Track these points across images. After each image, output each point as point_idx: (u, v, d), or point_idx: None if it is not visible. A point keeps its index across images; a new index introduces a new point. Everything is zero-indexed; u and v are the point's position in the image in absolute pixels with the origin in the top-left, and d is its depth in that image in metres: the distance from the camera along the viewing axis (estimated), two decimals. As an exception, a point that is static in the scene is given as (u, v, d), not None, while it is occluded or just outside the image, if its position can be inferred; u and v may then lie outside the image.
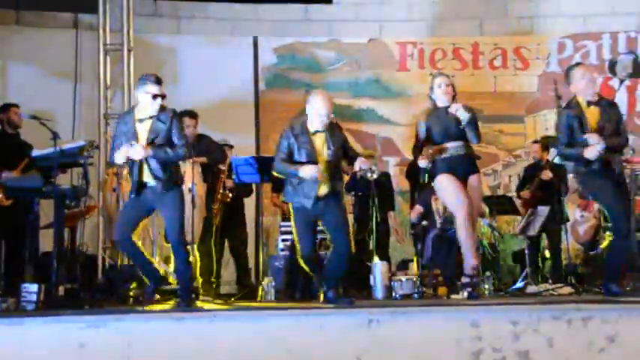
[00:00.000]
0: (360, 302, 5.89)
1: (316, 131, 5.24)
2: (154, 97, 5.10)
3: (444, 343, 4.17)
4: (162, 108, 5.16)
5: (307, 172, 5.15)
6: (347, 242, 5.18)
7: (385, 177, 7.36)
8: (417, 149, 5.42)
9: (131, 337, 4.23)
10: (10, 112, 6.43)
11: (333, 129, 5.31)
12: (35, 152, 6.01)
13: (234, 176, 6.85)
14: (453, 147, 5.33)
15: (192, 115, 6.81)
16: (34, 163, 6.20)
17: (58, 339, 4.19)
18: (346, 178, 6.91)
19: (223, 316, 4.49)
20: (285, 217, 7.03)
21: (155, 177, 5.12)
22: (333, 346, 4.21)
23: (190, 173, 6.27)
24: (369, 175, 6.53)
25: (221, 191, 6.96)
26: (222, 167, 6.90)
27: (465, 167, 5.37)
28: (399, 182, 8.05)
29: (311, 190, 5.17)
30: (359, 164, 5.28)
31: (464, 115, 5.27)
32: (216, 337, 4.27)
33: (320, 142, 5.25)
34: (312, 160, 5.18)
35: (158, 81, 5.13)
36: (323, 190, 5.21)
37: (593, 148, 4.93)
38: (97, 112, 8.01)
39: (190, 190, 6.18)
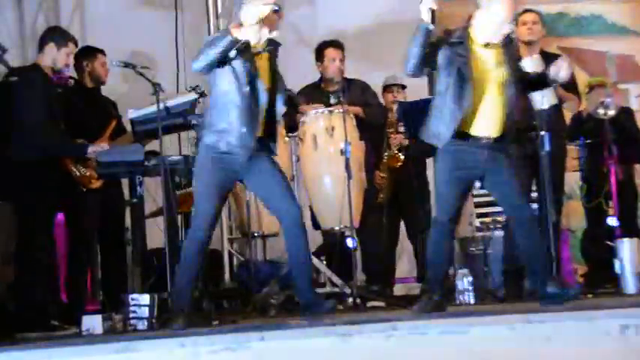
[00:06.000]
0: (607, 299, 5.92)
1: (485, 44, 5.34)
2: (278, 8, 5.18)
3: None
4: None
5: None
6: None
7: (625, 114, 7.30)
8: None
9: (281, 363, 4.30)
10: (96, 61, 6.52)
11: None
12: (132, 113, 6.27)
13: (404, 128, 6.90)
14: None
15: (336, 45, 6.97)
16: (120, 127, 6.52)
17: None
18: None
19: (406, 327, 4.45)
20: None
21: (271, 132, 5.29)
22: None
23: (342, 127, 6.33)
24: (601, 112, 6.59)
25: (388, 152, 7.06)
26: (390, 117, 7.02)
27: None
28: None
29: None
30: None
31: None
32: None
33: (491, 57, 5.33)
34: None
35: None
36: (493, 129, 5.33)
37: None
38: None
39: (343, 152, 6.24)
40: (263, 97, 5.20)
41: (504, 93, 5.25)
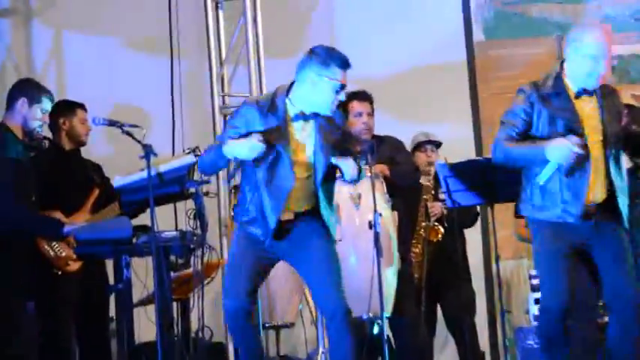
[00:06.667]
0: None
1: (578, 93, 5.44)
2: (340, 88, 5.31)
3: None
4: None
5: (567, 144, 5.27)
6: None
7: None
8: None
9: None
10: (75, 118, 6.49)
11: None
12: (119, 180, 6.16)
13: (443, 195, 6.68)
14: None
15: (362, 97, 6.87)
16: (105, 196, 6.38)
17: None
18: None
19: None
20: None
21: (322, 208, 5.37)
22: None
23: (370, 195, 6.06)
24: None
25: (425, 223, 6.99)
26: (425, 182, 6.93)
27: None
28: None
29: (579, 193, 5.35)
30: None
31: None
32: None
33: (589, 108, 5.44)
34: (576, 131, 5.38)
35: (346, 65, 5.33)
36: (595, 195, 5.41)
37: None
38: (210, 104, 8.14)
39: (372, 225, 6.01)
40: (287, 171, 5.27)
41: (605, 150, 5.33)
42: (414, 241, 7.12)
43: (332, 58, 5.27)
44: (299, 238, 5.32)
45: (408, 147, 7.26)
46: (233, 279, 5.32)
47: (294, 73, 5.32)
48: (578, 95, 5.38)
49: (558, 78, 5.42)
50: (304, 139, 5.33)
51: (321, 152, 5.31)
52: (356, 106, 6.82)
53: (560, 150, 5.21)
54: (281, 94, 5.35)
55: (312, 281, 5.39)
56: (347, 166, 5.27)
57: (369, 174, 6.17)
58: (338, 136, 5.37)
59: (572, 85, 5.40)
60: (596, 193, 5.32)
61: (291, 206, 5.30)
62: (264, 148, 5.19)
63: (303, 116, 5.35)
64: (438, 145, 7.37)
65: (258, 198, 5.29)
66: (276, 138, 5.26)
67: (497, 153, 5.45)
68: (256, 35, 8.08)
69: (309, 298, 6.99)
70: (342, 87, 5.30)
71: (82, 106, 6.52)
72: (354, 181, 5.57)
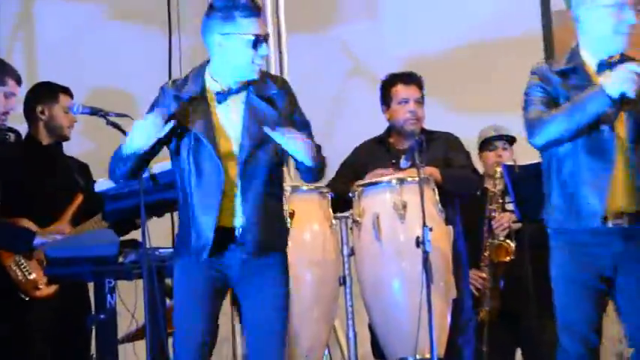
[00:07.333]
0: None
1: (600, 67, 5.19)
2: (255, 41, 5.07)
3: None
4: (262, 74, 5.28)
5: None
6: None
7: None
8: None
9: None
10: (56, 106, 6.48)
11: None
12: (102, 183, 6.02)
13: (511, 204, 6.51)
14: None
15: (409, 79, 6.84)
16: (92, 204, 6.30)
17: None
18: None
19: None
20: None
21: (256, 221, 5.13)
22: None
23: (418, 205, 5.95)
24: None
25: (490, 241, 6.89)
26: (491, 187, 6.91)
27: None
28: None
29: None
30: None
31: None
32: None
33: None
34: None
35: (254, 10, 5.15)
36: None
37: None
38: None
39: (420, 243, 5.85)
40: (213, 161, 5.05)
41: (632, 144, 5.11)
42: (481, 264, 6.92)
43: (234, 8, 5.08)
44: (252, 266, 5.11)
45: (472, 146, 7.05)
46: (183, 322, 5.20)
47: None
48: (600, 70, 5.11)
49: (574, 52, 5.19)
50: (235, 122, 5.13)
51: (247, 134, 5.08)
52: (400, 90, 6.71)
53: (619, 75, 4.92)
54: (200, 68, 5.19)
55: (247, 328, 5.25)
56: (289, 138, 4.94)
57: (416, 178, 6.00)
58: (275, 117, 5.09)
59: (590, 58, 5.16)
60: (624, 197, 5.04)
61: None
62: (167, 127, 4.92)
63: (229, 92, 5.12)
64: (511, 140, 7.07)
65: (190, 204, 5.09)
66: (191, 114, 5.04)
67: (538, 132, 5.11)
68: (276, 4, 7.88)
69: (340, 335, 6.92)
70: (259, 38, 5.10)
71: (66, 91, 6.49)
72: (317, 168, 5.14)
